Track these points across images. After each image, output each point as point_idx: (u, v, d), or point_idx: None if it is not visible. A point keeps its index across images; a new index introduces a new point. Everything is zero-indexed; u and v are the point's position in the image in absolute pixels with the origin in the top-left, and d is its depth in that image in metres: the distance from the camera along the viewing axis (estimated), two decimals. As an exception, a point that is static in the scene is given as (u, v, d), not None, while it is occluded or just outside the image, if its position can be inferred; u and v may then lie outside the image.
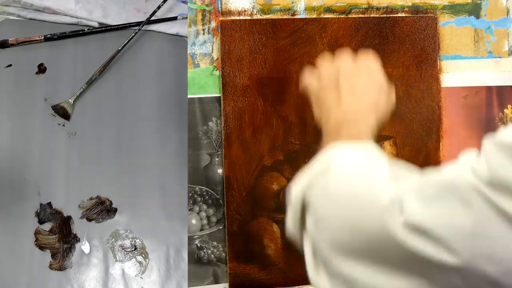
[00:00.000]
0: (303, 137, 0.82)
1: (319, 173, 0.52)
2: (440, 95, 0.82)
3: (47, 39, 0.87)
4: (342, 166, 0.51)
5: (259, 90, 0.80)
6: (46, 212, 0.78)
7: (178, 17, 0.93)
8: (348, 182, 0.49)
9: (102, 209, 0.79)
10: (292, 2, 0.77)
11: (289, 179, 0.81)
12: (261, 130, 0.81)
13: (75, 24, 0.90)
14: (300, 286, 0.83)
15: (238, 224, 0.80)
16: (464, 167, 0.41)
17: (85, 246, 0.77)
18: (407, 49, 0.81)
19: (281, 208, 0.81)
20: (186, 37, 0.89)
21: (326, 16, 0.81)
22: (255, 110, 0.81)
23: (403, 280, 0.42)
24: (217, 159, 0.80)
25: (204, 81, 0.78)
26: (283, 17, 0.80)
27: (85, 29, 0.89)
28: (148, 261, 0.78)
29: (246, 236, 0.81)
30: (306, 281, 0.83)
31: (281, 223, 0.81)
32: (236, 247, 0.80)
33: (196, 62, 0.77)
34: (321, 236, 0.50)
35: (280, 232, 0.82)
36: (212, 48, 0.78)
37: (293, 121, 0.81)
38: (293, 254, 0.82)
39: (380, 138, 0.78)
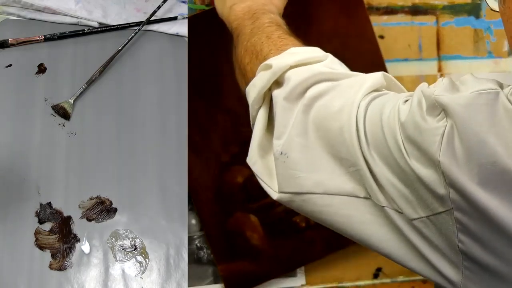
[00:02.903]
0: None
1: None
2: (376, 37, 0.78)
3: (47, 39, 0.87)
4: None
5: (194, 90, 0.79)
6: (46, 212, 0.78)
7: (178, 17, 0.93)
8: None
9: (102, 209, 0.79)
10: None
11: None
12: (209, 129, 0.79)
13: (75, 24, 0.90)
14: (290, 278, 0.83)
15: (215, 226, 0.79)
16: (403, 96, 0.44)
17: (85, 246, 0.77)
18: (331, 0, 0.77)
19: (253, 198, 0.80)
20: (186, 37, 0.89)
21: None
22: (196, 111, 0.79)
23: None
24: (217, 159, 0.81)
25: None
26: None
27: (85, 29, 0.89)
28: (148, 261, 0.78)
29: (227, 235, 0.80)
30: (296, 264, 0.82)
31: (258, 212, 0.80)
32: (220, 248, 0.80)
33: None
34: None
35: (259, 220, 0.81)
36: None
37: (238, 110, 0.79)
38: (278, 238, 0.81)
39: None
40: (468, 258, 0.41)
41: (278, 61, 0.53)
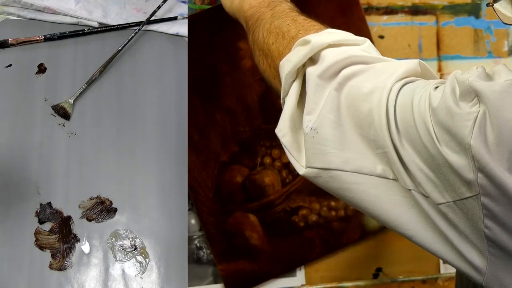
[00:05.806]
0: (250, 122, 0.81)
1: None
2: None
3: (47, 39, 0.87)
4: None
5: (194, 90, 0.80)
6: (46, 212, 0.78)
7: (178, 17, 0.93)
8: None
9: (102, 209, 0.79)
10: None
11: (250, 167, 0.80)
12: (208, 129, 0.80)
13: (75, 24, 0.90)
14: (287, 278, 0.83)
15: (214, 226, 0.79)
16: (433, 82, 0.44)
17: (85, 246, 0.77)
18: (327, 1, 0.77)
19: (252, 197, 0.80)
20: (186, 37, 0.89)
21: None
22: (195, 111, 0.79)
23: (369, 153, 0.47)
24: (216, 159, 0.80)
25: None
26: None
27: (85, 29, 0.89)
28: (148, 261, 0.78)
29: (227, 235, 0.80)
30: (296, 264, 0.83)
31: (257, 212, 0.80)
32: (220, 248, 0.80)
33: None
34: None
35: (258, 220, 0.81)
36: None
37: (236, 109, 0.80)
38: (277, 237, 0.81)
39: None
40: (493, 244, 0.41)
41: (317, 38, 0.53)
